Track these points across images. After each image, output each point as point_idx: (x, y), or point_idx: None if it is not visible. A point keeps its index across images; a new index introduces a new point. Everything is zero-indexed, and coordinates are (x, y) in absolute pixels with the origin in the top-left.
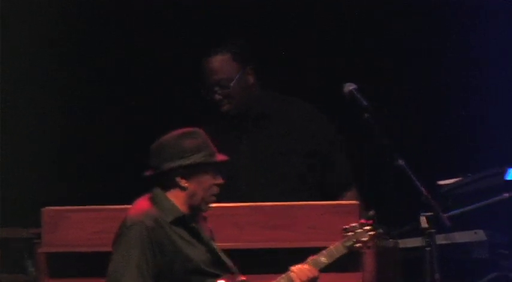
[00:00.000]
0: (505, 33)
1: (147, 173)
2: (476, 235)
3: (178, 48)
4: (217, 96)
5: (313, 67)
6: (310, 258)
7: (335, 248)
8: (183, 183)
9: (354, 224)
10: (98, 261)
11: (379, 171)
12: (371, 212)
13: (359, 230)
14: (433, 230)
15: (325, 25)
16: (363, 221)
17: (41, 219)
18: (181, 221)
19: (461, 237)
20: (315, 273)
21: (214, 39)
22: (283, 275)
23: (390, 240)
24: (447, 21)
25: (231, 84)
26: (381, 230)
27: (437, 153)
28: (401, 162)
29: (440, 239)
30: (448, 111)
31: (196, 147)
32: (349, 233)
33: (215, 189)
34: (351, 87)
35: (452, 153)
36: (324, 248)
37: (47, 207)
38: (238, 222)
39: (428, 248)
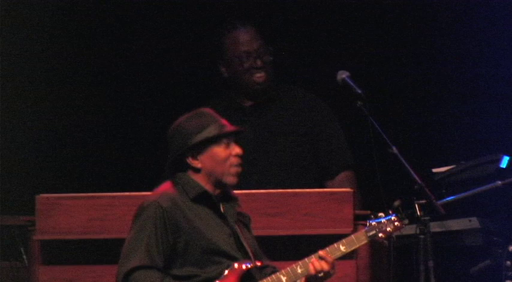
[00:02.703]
0: (500, 25)
1: (167, 165)
2: (470, 223)
3: (180, 39)
4: (259, 62)
5: (308, 56)
6: (329, 246)
7: (356, 237)
8: (196, 164)
9: (379, 214)
10: (91, 249)
11: (373, 158)
12: (397, 202)
13: (383, 220)
14: (427, 218)
15: (320, 14)
16: (390, 211)
17: (35, 207)
18: (204, 199)
19: (455, 224)
20: (331, 267)
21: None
22: (300, 262)
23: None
24: (446, 10)
25: (268, 53)
26: (406, 221)
27: (431, 141)
28: (394, 149)
29: (435, 227)
30: (443, 98)
31: (199, 127)
32: (373, 223)
33: (234, 160)
34: (343, 75)
35: (446, 141)
36: (320, 235)
37: (40, 195)
38: None
39: (422, 236)
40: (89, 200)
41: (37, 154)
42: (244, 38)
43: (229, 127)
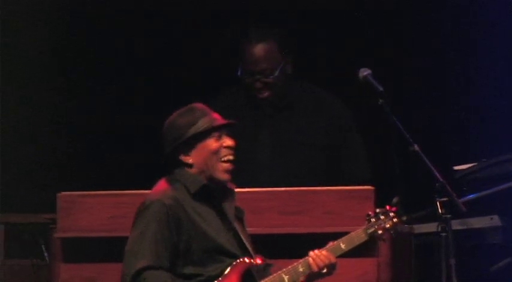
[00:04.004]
0: (506, 24)
1: (161, 162)
2: (492, 220)
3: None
4: (258, 84)
5: (325, 55)
6: (330, 244)
7: (356, 235)
8: (187, 160)
9: (377, 210)
10: (112, 246)
11: (395, 156)
12: (395, 199)
13: (382, 217)
14: (448, 216)
15: (336, 14)
16: (387, 207)
17: (56, 205)
18: (203, 196)
19: (476, 222)
20: (333, 259)
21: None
22: (301, 260)
23: (405, 225)
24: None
25: (275, 74)
26: (404, 218)
27: (452, 139)
28: (416, 147)
29: (456, 225)
30: (464, 96)
31: (190, 122)
32: (372, 220)
33: (224, 152)
34: (365, 73)
35: (467, 138)
36: (340, 233)
37: (62, 193)
38: (256, 208)
39: (443, 234)
40: (110, 197)
41: (58, 152)
42: (252, 57)
43: (219, 120)
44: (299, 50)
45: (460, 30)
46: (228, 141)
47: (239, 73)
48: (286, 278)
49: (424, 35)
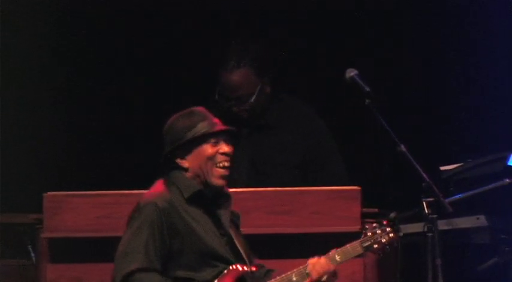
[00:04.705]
0: (507, 23)
1: (158, 163)
2: (478, 220)
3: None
4: (235, 109)
5: (325, 55)
6: (327, 254)
7: (351, 247)
8: (183, 163)
9: (374, 224)
10: (98, 247)
11: (381, 156)
12: (393, 214)
13: (378, 231)
14: (434, 216)
15: (336, 14)
16: (385, 221)
17: (42, 205)
18: (198, 200)
19: (462, 222)
20: (332, 267)
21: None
22: (301, 267)
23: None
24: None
25: (251, 99)
26: (401, 233)
27: (438, 139)
28: (402, 147)
29: (442, 225)
30: (450, 96)
31: (188, 126)
32: (368, 233)
33: (219, 158)
34: (352, 73)
35: (453, 138)
36: (328, 233)
37: (48, 193)
38: (243, 208)
39: (430, 234)
40: (97, 197)
41: (44, 152)
42: (228, 83)
43: (218, 126)
44: (298, 51)
45: (460, 30)
46: (225, 148)
47: (216, 97)
48: None
49: (424, 35)
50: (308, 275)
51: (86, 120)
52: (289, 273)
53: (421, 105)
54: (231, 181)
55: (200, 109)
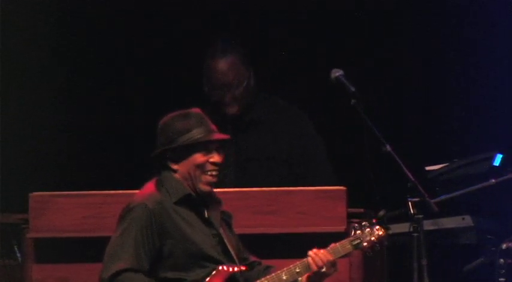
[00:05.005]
0: (498, 25)
1: (149, 160)
2: (464, 221)
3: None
4: (227, 99)
5: (325, 55)
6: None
7: (341, 245)
8: (173, 166)
9: (363, 223)
10: (85, 247)
11: (367, 156)
12: (381, 212)
13: (368, 229)
14: (420, 216)
15: (336, 14)
16: (374, 220)
17: (29, 205)
18: (187, 202)
19: (448, 222)
20: (331, 257)
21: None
22: (298, 262)
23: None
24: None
25: (243, 85)
26: (390, 231)
27: (424, 139)
28: (388, 148)
29: (428, 225)
30: (436, 96)
31: (184, 129)
32: (358, 232)
33: (209, 167)
34: (337, 73)
35: (439, 139)
36: (313, 233)
37: (34, 193)
38: (229, 208)
39: (415, 234)
40: (83, 198)
41: (30, 152)
42: (218, 70)
43: (212, 134)
44: (298, 51)
45: (460, 30)
46: (216, 157)
47: (206, 90)
48: (284, 277)
49: (424, 35)
50: (307, 267)
51: (86, 120)
52: (291, 266)
53: (421, 105)
54: (219, 179)
55: (197, 111)
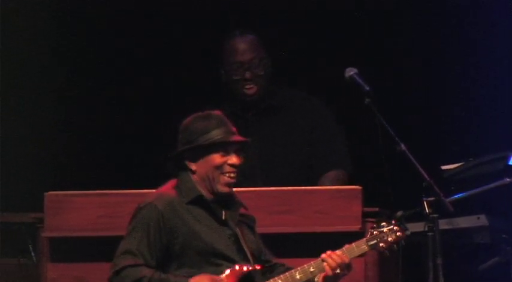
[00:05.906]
0: (498, 25)
1: (169, 160)
2: (479, 220)
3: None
4: (248, 75)
5: (325, 55)
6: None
7: (356, 245)
8: (192, 166)
9: (382, 223)
10: (100, 246)
11: (382, 156)
12: (399, 212)
13: (385, 229)
14: (435, 215)
15: (336, 14)
16: (393, 220)
17: (44, 204)
18: (200, 203)
19: (463, 222)
20: (345, 259)
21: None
22: (313, 262)
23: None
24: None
25: (261, 65)
26: (408, 232)
27: (439, 138)
28: (403, 147)
29: (443, 224)
30: (451, 95)
31: (204, 130)
32: (375, 232)
33: (227, 168)
34: (351, 72)
35: (454, 138)
36: (329, 233)
37: (49, 192)
38: None
39: (430, 233)
40: (98, 197)
41: (46, 151)
42: (239, 48)
43: (232, 136)
44: (298, 51)
45: (460, 30)
46: (234, 159)
47: (224, 73)
48: (298, 276)
49: (424, 35)
50: (321, 269)
51: (86, 120)
52: (305, 266)
53: (421, 105)
54: (245, 169)
55: (218, 113)
